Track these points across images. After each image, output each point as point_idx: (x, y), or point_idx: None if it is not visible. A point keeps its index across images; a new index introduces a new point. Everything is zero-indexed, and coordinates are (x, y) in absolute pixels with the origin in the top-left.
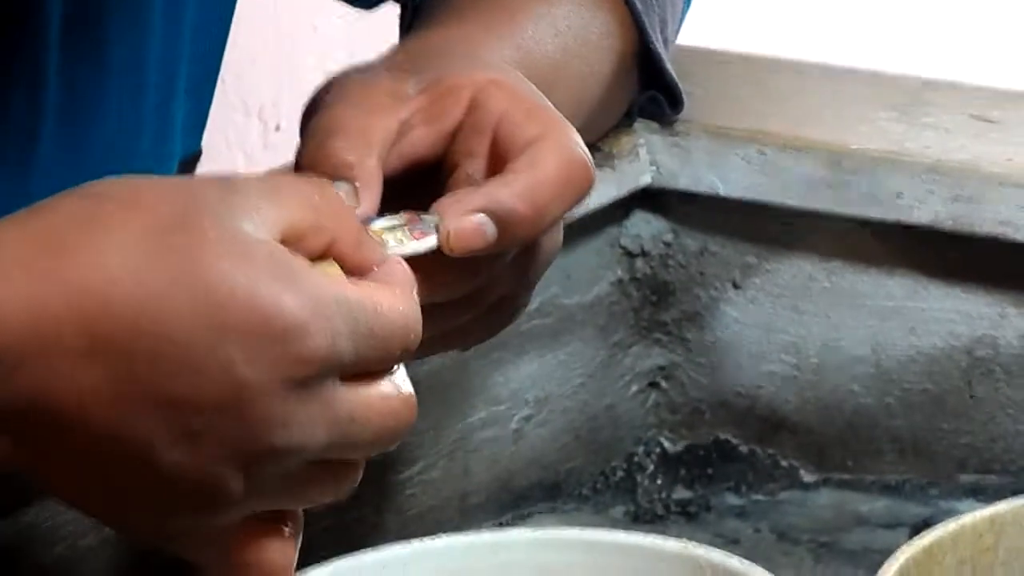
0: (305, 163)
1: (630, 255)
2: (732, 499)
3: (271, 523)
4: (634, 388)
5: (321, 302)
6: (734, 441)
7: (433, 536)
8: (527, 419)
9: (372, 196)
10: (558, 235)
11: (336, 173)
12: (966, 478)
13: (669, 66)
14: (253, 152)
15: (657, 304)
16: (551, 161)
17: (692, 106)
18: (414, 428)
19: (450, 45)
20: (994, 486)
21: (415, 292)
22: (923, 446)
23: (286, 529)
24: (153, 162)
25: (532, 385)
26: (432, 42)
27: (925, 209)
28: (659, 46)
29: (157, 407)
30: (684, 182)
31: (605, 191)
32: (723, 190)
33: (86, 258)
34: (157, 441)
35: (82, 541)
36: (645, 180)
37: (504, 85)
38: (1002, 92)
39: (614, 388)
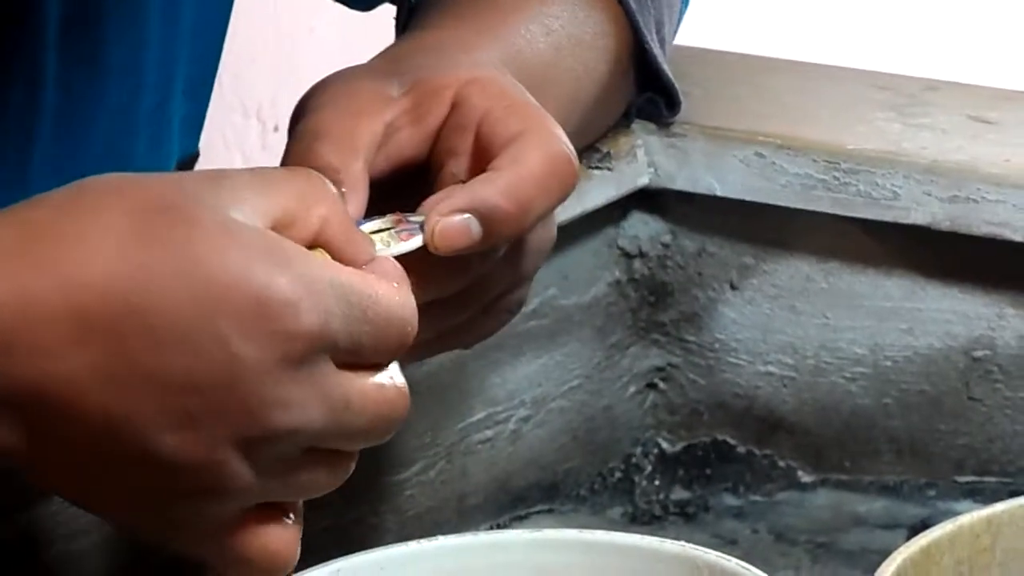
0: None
1: (628, 256)
2: (730, 500)
3: (273, 511)
4: (632, 389)
5: (314, 281)
6: (732, 442)
7: (431, 537)
8: (525, 420)
9: (358, 200)
10: (550, 230)
11: None
12: (964, 479)
13: (666, 67)
14: (251, 153)
15: (655, 305)
16: (534, 157)
17: (690, 106)
18: (412, 429)
19: (440, 46)
20: (992, 487)
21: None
22: (921, 447)
23: (288, 519)
24: (150, 163)
25: (530, 386)
26: (423, 43)
27: (922, 210)
28: (654, 46)
29: (152, 388)
30: (682, 183)
31: (603, 192)
32: (721, 191)
33: (73, 241)
34: (154, 424)
35: (81, 541)
36: (643, 181)
37: (485, 82)
38: (1000, 93)
39: (612, 389)
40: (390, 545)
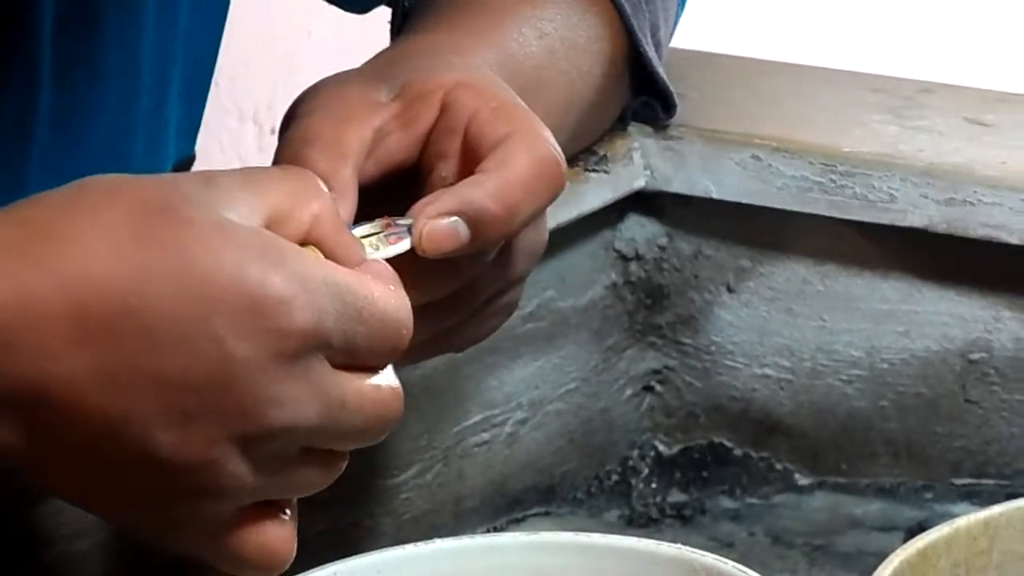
0: None
1: (624, 258)
2: (727, 502)
3: (270, 509)
4: (628, 392)
5: (308, 280)
6: (728, 444)
7: (427, 540)
8: (521, 423)
9: (348, 206)
10: (541, 233)
11: None
12: (960, 481)
13: (661, 70)
14: (248, 156)
15: (651, 308)
16: (521, 159)
17: (686, 109)
18: (408, 432)
19: (433, 49)
20: (988, 489)
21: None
22: (917, 449)
23: (284, 515)
24: (147, 165)
25: (526, 389)
26: (416, 47)
27: (919, 212)
28: (649, 49)
29: (149, 387)
30: (678, 185)
31: (599, 194)
32: (717, 193)
33: (72, 241)
34: (152, 423)
35: (82, 542)
36: (639, 184)
37: (472, 85)
38: (996, 95)
39: (608, 392)
40: (386, 548)
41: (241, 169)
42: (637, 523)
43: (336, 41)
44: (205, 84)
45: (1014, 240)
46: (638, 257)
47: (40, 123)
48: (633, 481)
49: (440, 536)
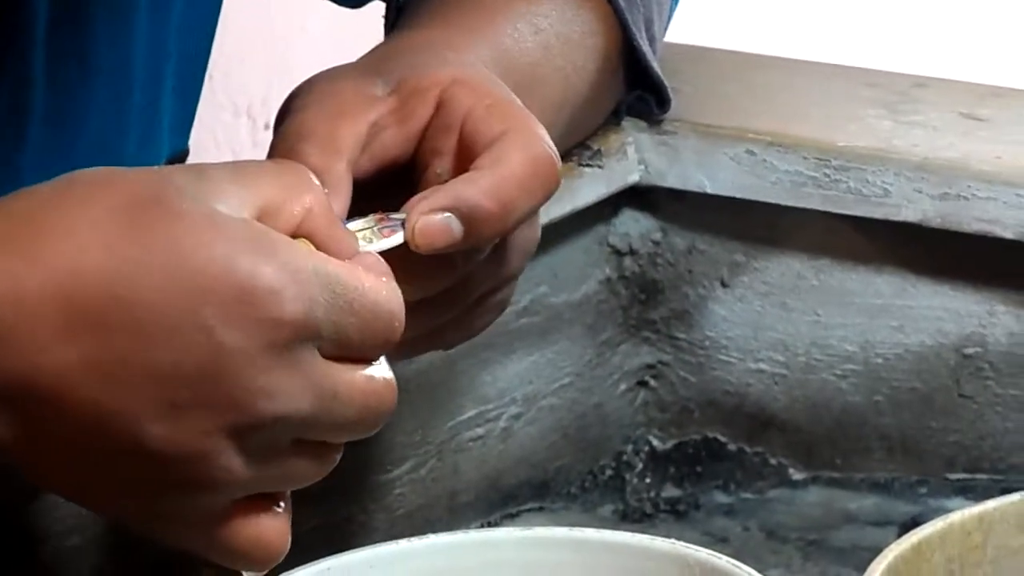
0: None
1: (618, 253)
2: (721, 497)
3: (263, 501)
4: (623, 387)
5: (298, 270)
6: (723, 439)
7: (421, 535)
8: (515, 418)
9: (341, 201)
10: (534, 230)
11: None
12: (955, 476)
13: (655, 65)
14: (242, 151)
15: (645, 302)
16: (516, 157)
17: (680, 104)
18: (402, 427)
19: (427, 45)
20: (983, 484)
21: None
22: (912, 444)
23: (278, 507)
24: (140, 161)
25: (520, 384)
26: (410, 43)
27: (913, 207)
28: (644, 44)
29: (140, 379)
30: (672, 180)
31: (593, 189)
32: (711, 188)
33: (62, 234)
34: (143, 415)
35: (76, 537)
36: (633, 178)
37: (468, 82)
38: (991, 90)
39: (603, 387)
40: (380, 543)
41: (232, 162)
42: (631, 518)
43: (330, 36)
44: (199, 79)
45: (1008, 235)
46: (632, 252)
47: (33, 121)
48: (627, 476)
49: (434, 531)
